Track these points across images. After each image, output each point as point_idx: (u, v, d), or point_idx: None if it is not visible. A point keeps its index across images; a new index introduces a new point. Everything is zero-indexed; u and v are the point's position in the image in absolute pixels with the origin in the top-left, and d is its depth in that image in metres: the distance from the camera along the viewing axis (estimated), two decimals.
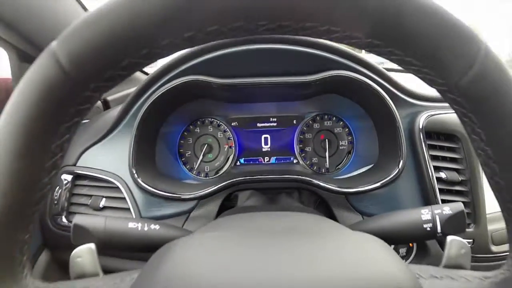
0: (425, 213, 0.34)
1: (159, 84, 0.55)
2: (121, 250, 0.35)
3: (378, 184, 0.51)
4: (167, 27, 0.16)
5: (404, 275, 0.21)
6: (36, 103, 0.17)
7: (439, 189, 0.51)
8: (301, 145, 0.63)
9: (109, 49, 0.16)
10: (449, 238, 0.29)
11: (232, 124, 0.64)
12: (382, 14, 0.16)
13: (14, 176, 0.18)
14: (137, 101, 0.56)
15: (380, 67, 0.53)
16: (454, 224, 0.34)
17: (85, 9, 0.69)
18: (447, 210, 0.34)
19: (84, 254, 0.27)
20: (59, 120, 0.18)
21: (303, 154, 0.63)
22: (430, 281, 0.24)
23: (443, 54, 0.17)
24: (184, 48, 0.18)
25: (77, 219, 0.33)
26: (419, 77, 0.20)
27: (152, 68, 0.62)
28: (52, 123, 0.17)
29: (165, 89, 0.53)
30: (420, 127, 0.52)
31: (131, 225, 0.34)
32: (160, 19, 0.16)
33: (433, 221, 0.34)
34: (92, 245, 0.28)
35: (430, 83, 0.19)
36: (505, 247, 0.54)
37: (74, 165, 0.56)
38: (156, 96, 0.53)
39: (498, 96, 0.18)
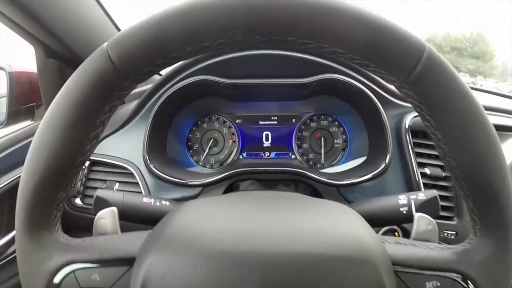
0: (402, 198, 0.39)
1: (172, 82, 0.62)
2: (136, 222, 0.39)
3: (366, 177, 0.56)
4: (189, 41, 0.22)
5: (370, 235, 0.25)
6: (89, 87, 0.23)
7: (424, 183, 0.55)
8: (298, 142, 0.68)
9: (147, 53, 0.22)
10: (417, 215, 0.31)
11: (237, 121, 0.70)
12: (351, 36, 0.22)
13: (65, 142, 0.24)
14: (152, 97, 0.64)
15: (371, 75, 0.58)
16: (428, 208, 0.37)
17: (107, 14, 0.75)
18: (421, 195, 0.38)
19: (106, 216, 0.31)
20: (104, 101, 0.23)
21: (301, 150, 0.68)
22: (395, 246, 0.27)
23: (392, 58, 0.22)
24: (197, 55, 0.24)
25: (99, 192, 0.39)
26: (377, 76, 0.25)
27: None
28: (99, 103, 0.23)
29: (178, 87, 0.61)
30: (406, 126, 0.57)
31: (145, 200, 0.40)
32: (182, 37, 0.22)
33: (408, 205, 0.38)
34: (114, 208, 0.32)
35: (386, 80, 0.24)
36: None
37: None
38: (170, 92, 0.61)
39: (440, 88, 0.22)
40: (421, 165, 0.57)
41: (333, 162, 0.67)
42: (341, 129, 0.68)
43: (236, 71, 0.59)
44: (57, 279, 0.26)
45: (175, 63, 0.24)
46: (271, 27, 0.21)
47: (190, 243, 0.23)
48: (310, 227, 0.24)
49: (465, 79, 0.52)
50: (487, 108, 0.65)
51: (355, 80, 0.58)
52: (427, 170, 0.56)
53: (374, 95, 0.58)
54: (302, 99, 0.67)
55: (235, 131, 0.69)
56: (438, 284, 0.25)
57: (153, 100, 0.64)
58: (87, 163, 0.62)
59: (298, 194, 0.34)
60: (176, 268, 0.22)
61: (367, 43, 0.22)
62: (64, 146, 0.24)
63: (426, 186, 0.56)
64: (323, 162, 0.67)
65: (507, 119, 0.66)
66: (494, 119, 0.64)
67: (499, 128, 0.62)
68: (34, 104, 0.77)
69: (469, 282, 0.25)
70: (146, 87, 0.69)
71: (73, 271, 0.26)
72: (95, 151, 0.62)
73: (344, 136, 0.68)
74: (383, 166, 0.56)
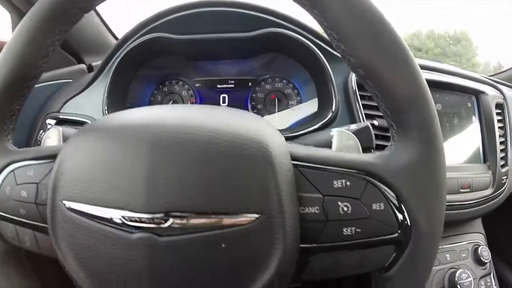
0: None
1: (128, 43, 0.65)
2: None
3: (313, 127, 0.58)
4: None
5: (268, 126, 0.24)
6: (42, 11, 0.26)
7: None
8: (253, 103, 0.70)
9: None
10: (334, 130, 0.31)
11: (196, 85, 0.71)
12: None
13: (18, 56, 0.27)
14: (112, 58, 0.66)
15: (315, 28, 0.61)
16: (361, 138, 0.36)
17: None
18: (353, 126, 0.38)
19: (52, 134, 0.34)
20: (54, 24, 0.27)
21: (255, 111, 0.70)
22: (301, 146, 0.26)
23: None
24: None
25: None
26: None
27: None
28: (50, 25, 0.26)
29: (133, 45, 0.63)
30: (353, 80, 0.60)
31: None
32: None
33: None
34: (59, 127, 0.34)
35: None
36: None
37: (58, 111, 0.65)
38: (127, 51, 0.63)
39: None
40: (369, 117, 0.59)
41: (288, 122, 0.70)
42: (296, 91, 0.70)
43: (186, 28, 0.62)
44: None
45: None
46: None
47: (101, 128, 0.24)
48: (208, 114, 0.24)
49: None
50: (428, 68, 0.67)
51: (298, 34, 0.60)
52: (375, 122, 0.59)
53: (320, 50, 0.60)
54: (253, 56, 0.69)
55: (193, 94, 0.71)
56: (348, 183, 0.23)
57: (112, 61, 0.66)
58: (53, 121, 0.63)
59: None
60: (84, 144, 0.23)
61: None
62: (17, 59, 0.27)
63: (377, 137, 0.58)
64: (276, 121, 0.69)
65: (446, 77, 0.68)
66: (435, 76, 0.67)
67: (437, 84, 0.65)
68: None
69: (385, 187, 0.24)
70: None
71: (12, 170, 0.28)
72: (61, 111, 0.65)
73: (299, 98, 0.70)
74: (329, 116, 0.58)
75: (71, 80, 0.73)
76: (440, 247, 0.64)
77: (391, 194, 0.24)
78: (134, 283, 0.21)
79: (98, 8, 0.85)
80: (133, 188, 0.20)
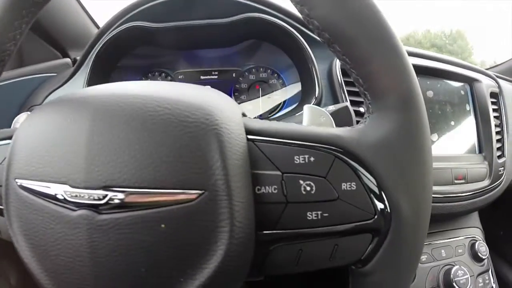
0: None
1: (106, 34, 0.62)
2: None
3: (297, 115, 0.55)
4: None
5: (224, 103, 0.21)
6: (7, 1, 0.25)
7: (358, 121, 0.54)
8: (236, 93, 0.67)
9: None
10: (305, 106, 0.28)
11: (179, 77, 0.69)
12: None
13: None
14: (91, 50, 0.63)
15: (298, 14, 0.58)
16: (339, 118, 0.33)
17: None
18: (331, 107, 0.35)
19: (20, 120, 0.32)
20: (21, 6, 0.25)
21: (238, 101, 0.67)
22: (263, 120, 0.23)
23: None
24: None
25: None
26: None
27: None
28: (17, 8, 0.25)
29: (111, 36, 0.60)
30: (337, 66, 0.57)
31: None
32: None
33: None
34: (29, 112, 0.32)
35: None
36: (437, 187, 0.57)
37: (40, 104, 0.63)
38: (105, 41, 0.60)
39: None
40: (355, 103, 0.56)
41: (273, 113, 0.67)
42: (280, 80, 0.67)
43: (163, 16, 0.60)
44: None
45: None
46: None
47: (51, 106, 0.22)
48: (157, 85, 0.22)
49: None
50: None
51: (278, 19, 0.57)
52: (361, 109, 0.55)
53: (301, 35, 0.57)
54: (235, 44, 0.67)
55: None
56: (312, 159, 0.20)
57: (91, 53, 0.63)
58: None
59: None
60: (34, 123, 0.22)
61: None
62: None
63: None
64: (260, 112, 0.66)
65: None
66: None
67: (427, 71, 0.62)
68: None
69: (357, 164, 0.21)
70: None
71: None
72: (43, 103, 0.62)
73: (284, 87, 0.67)
74: (312, 102, 0.55)
75: (55, 74, 0.71)
76: (434, 242, 0.60)
77: (364, 173, 0.21)
78: (78, 265, 0.19)
79: (83, 1, 0.83)
80: (74, 161, 0.19)
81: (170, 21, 0.60)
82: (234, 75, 0.68)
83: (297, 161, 0.20)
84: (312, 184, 0.20)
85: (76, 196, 0.19)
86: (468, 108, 0.67)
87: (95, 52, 0.61)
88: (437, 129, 0.62)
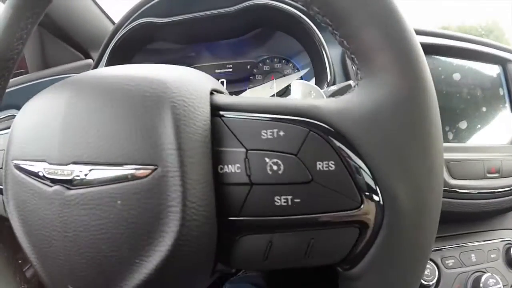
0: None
1: (119, 32, 0.64)
2: None
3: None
4: None
5: (189, 77, 0.20)
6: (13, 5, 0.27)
7: None
8: (251, 85, 0.66)
9: None
10: (294, 81, 0.25)
11: None
12: None
13: None
14: (106, 48, 0.65)
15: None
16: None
17: None
18: (333, 87, 0.31)
19: None
20: (27, 8, 0.27)
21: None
22: (235, 97, 0.22)
23: None
24: None
25: None
26: None
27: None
28: (22, 9, 0.27)
29: (123, 33, 0.62)
30: None
31: None
32: None
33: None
34: None
35: None
36: (465, 182, 0.51)
37: None
38: (117, 39, 0.62)
39: None
40: None
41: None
42: (296, 70, 0.65)
43: (170, 10, 0.60)
44: None
45: None
46: None
47: (44, 91, 0.23)
48: (140, 66, 0.22)
49: None
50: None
51: (283, 3, 0.55)
52: None
53: (310, 20, 0.55)
54: (244, 34, 0.65)
55: None
56: (281, 133, 0.18)
57: (106, 52, 0.64)
58: None
59: None
60: (28, 108, 0.23)
61: None
62: None
63: None
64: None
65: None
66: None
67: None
68: (22, 70, 0.84)
69: (336, 140, 0.17)
70: None
71: None
72: None
73: (300, 78, 0.65)
74: (324, 88, 0.52)
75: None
76: (463, 245, 0.54)
77: (345, 151, 0.17)
78: (53, 240, 0.19)
79: (102, 3, 0.85)
80: (51, 140, 0.20)
81: (176, 15, 0.60)
82: (248, 67, 0.66)
83: (264, 136, 0.18)
84: (279, 162, 0.17)
85: (51, 172, 0.19)
86: (502, 93, 0.61)
87: (109, 51, 0.62)
88: (466, 116, 0.57)
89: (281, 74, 0.65)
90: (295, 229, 0.18)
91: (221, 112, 0.19)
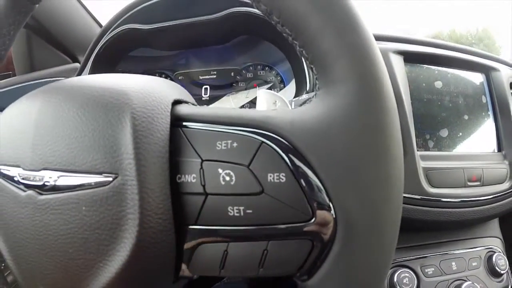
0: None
1: (103, 38, 0.61)
2: None
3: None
4: None
5: (151, 86, 0.20)
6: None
7: None
8: (233, 92, 0.63)
9: None
10: (259, 91, 0.25)
11: (179, 78, 0.66)
12: None
13: None
14: (91, 54, 0.62)
15: None
16: None
17: None
18: (305, 96, 0.32)
19: None
20: (13, 5, 0.27)
21: (235, 100, 0.63)
22: (196, 107, 0.21)
23: None
24: None
25: None
26: None
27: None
28: (9, 6, 0.27)
29: (107, 40, 0.60)
30: None
31: None
32: None
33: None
34: None
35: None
36: (445, 190, 0.49)
37: None
38: (101, 45, 0.60)
39: None
40: None
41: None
42: (279, 78, 0.62)
43: (154, 17, 0.58)
44: None
45: None
46: None
47: (16, 101, 0.23)
48: (114, 76, 0.22)
49: None
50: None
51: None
52: None
53: None
54: (227, 41, 0.63)
55: None
56: (235, 145, 0.17)
57: (90, 58, 0.62)
58: None
59: None
60: (7, 113, 0.23)
61: None
62: None
63: None
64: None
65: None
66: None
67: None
68: (10, 72, 0.83)
69: (285, 153, 0.17)
70: None
71: None
72: None
73: (282, 85, 0.62)
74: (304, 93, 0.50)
75: (63, 78, 0.72)
76: (444, 253, 0.52)
77: (296, 163, 0.17)
78: (27, 242, 0.20)
79: (90, 7, 0.83)
80: (25, 146, 0.20)
81: (160, 21, 0.58)
82: (232, 73, 0.64)
83: (218, 147, 0.18)
84: (231, 173, 0.17)
85: (25, 178, 0.19)
86: (484, 101, 0.59)
87: (93, 57, 0.60)
88: (448, 124, 0.55)
89: (264, 81, 0.62)
90: (248, 239, 0.18)
91: (181, 123, 0.19)
